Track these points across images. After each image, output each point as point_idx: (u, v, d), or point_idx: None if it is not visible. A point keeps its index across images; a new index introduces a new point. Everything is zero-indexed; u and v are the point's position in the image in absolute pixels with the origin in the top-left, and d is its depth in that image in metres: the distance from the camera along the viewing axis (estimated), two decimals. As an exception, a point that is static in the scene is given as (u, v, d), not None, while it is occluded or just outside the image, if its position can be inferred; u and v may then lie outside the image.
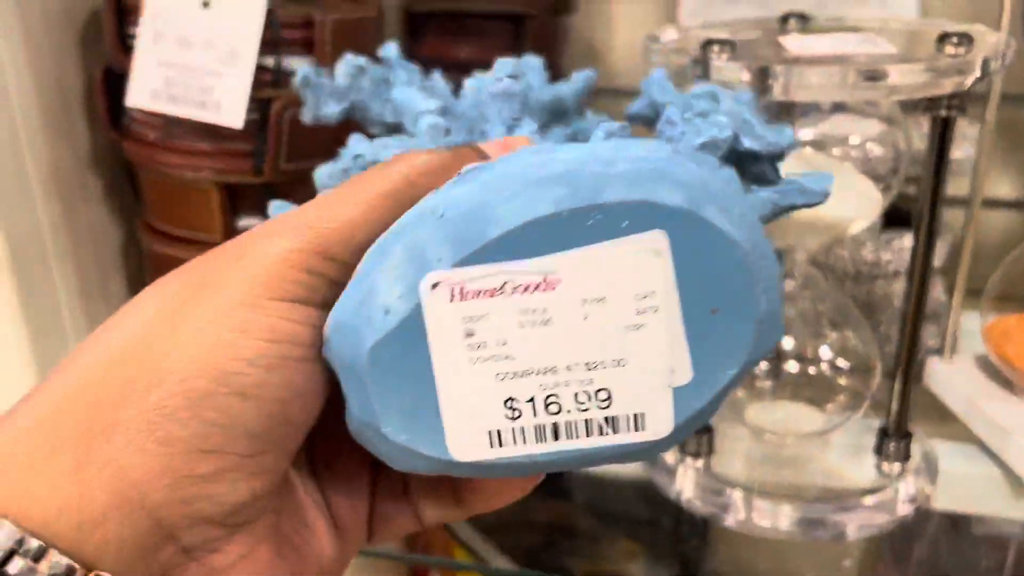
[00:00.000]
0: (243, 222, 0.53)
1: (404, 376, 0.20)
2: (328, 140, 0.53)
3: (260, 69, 0.48)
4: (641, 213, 0.20)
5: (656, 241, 0.20)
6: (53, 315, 0.53)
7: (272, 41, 0.48)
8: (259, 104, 0.49)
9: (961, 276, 0.65)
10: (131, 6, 0.49)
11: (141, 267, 0.58)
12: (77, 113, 0.54)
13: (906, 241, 0.75)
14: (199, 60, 0.47)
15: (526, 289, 0.20)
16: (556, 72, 0.84)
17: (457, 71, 0.82)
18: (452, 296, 0.20)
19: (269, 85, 0.49)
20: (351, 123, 0.55)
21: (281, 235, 0.20)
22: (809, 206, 0.26)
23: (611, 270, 0.20)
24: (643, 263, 0.20)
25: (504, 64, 0.31)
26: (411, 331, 0.20)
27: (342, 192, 0.21)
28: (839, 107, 0.58)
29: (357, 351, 0.20)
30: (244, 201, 0.52)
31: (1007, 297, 0.67)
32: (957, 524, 0.57)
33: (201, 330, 0.19)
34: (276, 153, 0.50)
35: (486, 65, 0.36)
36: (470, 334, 0.20)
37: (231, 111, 0.47)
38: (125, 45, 0.50)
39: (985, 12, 0.88)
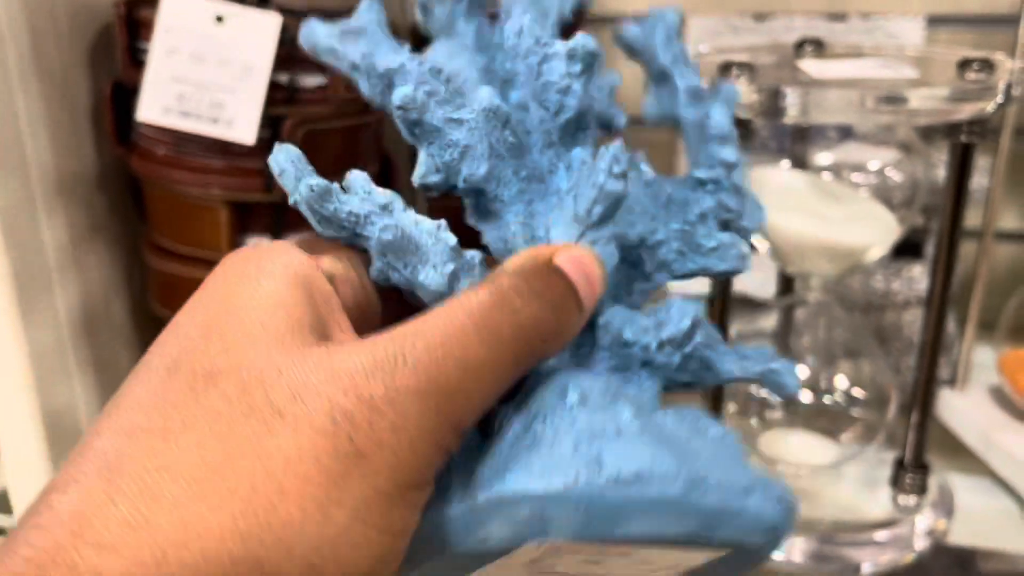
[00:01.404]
0: (251, 241, 0.52)
1: None
2: (340, 158, 0.52)
3: (273, 86, 0.48)
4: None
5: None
6: (55, 335, 0.52)
7: (286, 57, 0.47)
8: (271, 121, 0.48)
9: (974, 307, 0.65)
10: (143, 20, 0.49)
11: (144, 290, 0.57)
12: (84, 129, 0.53)
13: (916, 271, 0.74)
14: (212, 76, 0.47)
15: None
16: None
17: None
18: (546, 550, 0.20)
19: (282, 102, 0.48)
20: (363, 141, 0.55)
21: (426, 403, 0.17)
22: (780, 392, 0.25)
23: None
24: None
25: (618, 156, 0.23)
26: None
27: (471, 354, 0.18)
28: (850, 134, 0.58)
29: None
30: (253, 219, 0.51)
31: (1022, 329, 0.66)
32: (965, 562, 0.56)
33: (350, 527, 0.17)
34: (287, 171, 0.49)
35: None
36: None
37: (243, 127, 0.47)
38: (136, 60, 0.50)
39: (990, 45, 0.89)
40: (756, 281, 0.98)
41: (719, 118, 0.29)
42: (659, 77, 0.32)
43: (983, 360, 0.67)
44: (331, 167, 0.52)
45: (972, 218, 0.64)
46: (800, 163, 0.56)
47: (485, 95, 0.24)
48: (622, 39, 0.33)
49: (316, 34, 0.29)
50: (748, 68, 0.46)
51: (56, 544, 0.16)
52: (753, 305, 0.98)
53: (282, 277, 0.20)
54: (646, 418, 0.21)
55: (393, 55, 0.26)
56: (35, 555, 0.15)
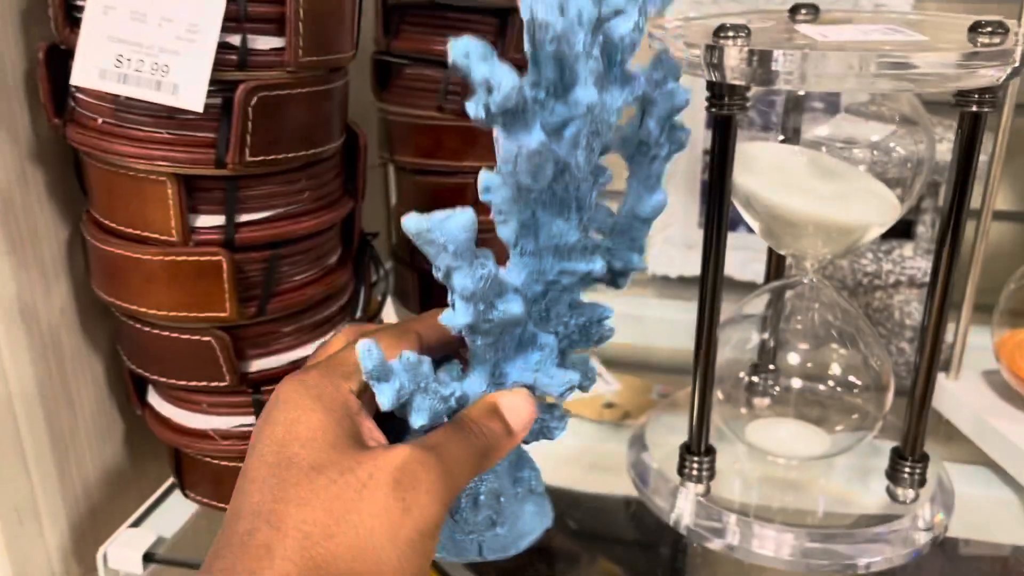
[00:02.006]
0: (200, 221, 0.47)
1: None
2: (300, 130, 0.48)
3: (224, 47, 0.43)
4: None
5: None
6: (-13, 322, 0.48)
7: (237, 17, 0.43)
8: (222, 87, 0.44)
9: (970, 290, 0.62)
10: (77, -26, 0.44)
11: (87, 264, 0.52)
12: (17, 98, 0.48)
13: (907, 251, 0.71)
14: (154, 36, 0.42)
15: None
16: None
17: (437, 66, 0.78)
18: None
19: (234, 66, 0.44)
20: (326, 112, 0.50)
21: (444, 482, 0.30)
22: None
23: None
24: None
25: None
26: None
27: (460, 464, 0.32)
28: (837, 108, 0.55)
29: None
30: (203, 196, 0.47)
31: (1019, 312, 0.63)
32: (963, 556, 0.53)
33: (402, 553, 0.29)
34: (241, 142, 0.44)
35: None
36: None
37: (190, 93, 0.42)
38: (72, 19, 0.45)
39: (982, 11, 0.86)
40: (738, 263, 0.95)
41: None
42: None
43: (979, 343, 0.64)
44: (291, 136, 0.48)
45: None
46: (791, 138, 0.53)
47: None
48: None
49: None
50: (742, 31, 0.42)
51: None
52: (738, 287, 0.95)
53: (328, 408, 0.31)
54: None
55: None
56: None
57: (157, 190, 0.46)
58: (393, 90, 0.79)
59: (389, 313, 0.73)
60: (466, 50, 0.29)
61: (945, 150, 0.67)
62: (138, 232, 0.47)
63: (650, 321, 0.91)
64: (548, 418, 0.39)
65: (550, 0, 0.31)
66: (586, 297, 0.42)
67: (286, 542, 0.27)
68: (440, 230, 0.33)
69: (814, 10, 0.53)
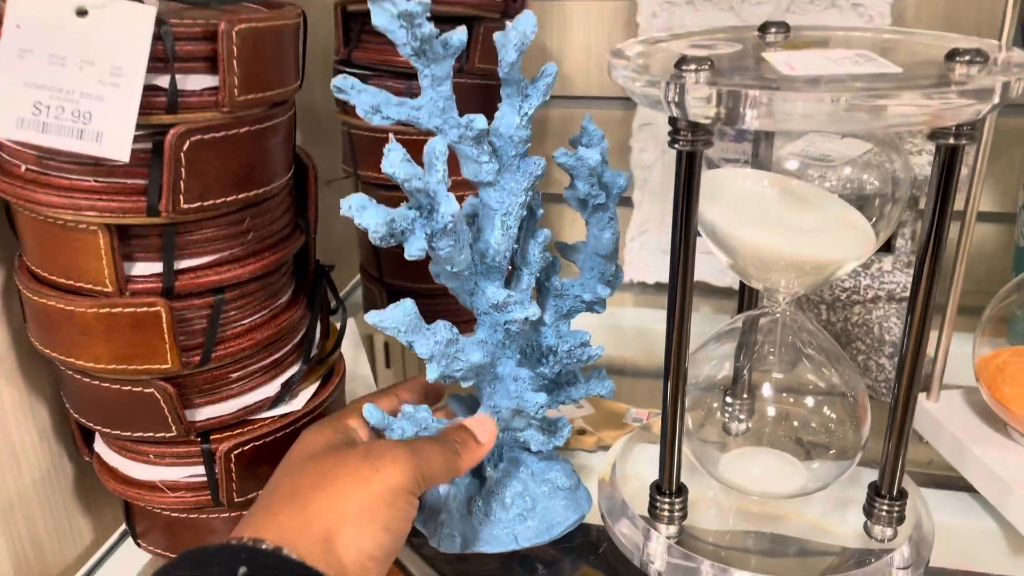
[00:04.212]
0: (137, 269, 0.44)
1: None
2: (240, 171, 0.45)
3: (151, 90, 0.40)
4: None
5: None
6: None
7: (164, 56, 0.40)
8: (152, 131, 0.41)
9: (951, 310, 0.60)
10: (-6, 13, 0.41)
11: (23, 312, 0.49)
12: (-63, 138, 0.45)
13: (886, 264, 0.69)
14: (75, 80, 0.39)
15: None
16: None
17: (398, 77, 0.75)
18: None
19: (163, 109, 0.41)
20: (268, 150, 0.48)
21: (414, 464, 0.43)
22: None
23: None
24: None
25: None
26: None
27: (434, 450, 0.46)
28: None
29: None
30: (138, 243, 0.44)
31: (1000, 332, 0.61)
32: None
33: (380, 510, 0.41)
34: (174, 189, 0.42)
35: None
36: None
37: (115, 142, 0.39)
38: (-12, 59, 0.42)
39: (960, 21, 0.84)
40: (715, 270, 0.93)
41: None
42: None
43: (959, 351, 0.62)
44: (230, 179, 0.45)
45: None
46: (761, 157, 0.51)
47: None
48: (560, 163, 0.50)
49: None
50: (706, 64, 0.40)
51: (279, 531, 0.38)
52: (716, 292, 0.93)
53: (334, 430, 0.46)
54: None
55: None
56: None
57: (88, 240, 0.43)
58: (354, 102, 0.75)
59: (352, 347, 0.70)
60: (351, 205, 0.41)
61: (924, 163, 0.65)
62: (71, 283, 0.44)
63: (628, 330, 0.89)
64: (550, 427, 0.54)
65: (397, 159, 0.41)
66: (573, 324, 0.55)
67: (290, 502, 0.40)
68: (390, 320, 0.45)
69: (784, 28, 0.50)
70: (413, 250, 0.43)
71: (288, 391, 0.52)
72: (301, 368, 0.53)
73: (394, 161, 0.42)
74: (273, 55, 0.44)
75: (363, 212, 0.41)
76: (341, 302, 0.57)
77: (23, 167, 0.42)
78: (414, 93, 0.74)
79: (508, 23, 0.73)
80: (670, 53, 0.47)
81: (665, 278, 0.91)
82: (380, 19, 0.44)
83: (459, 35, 0.45)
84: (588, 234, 0.54)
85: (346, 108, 0.77)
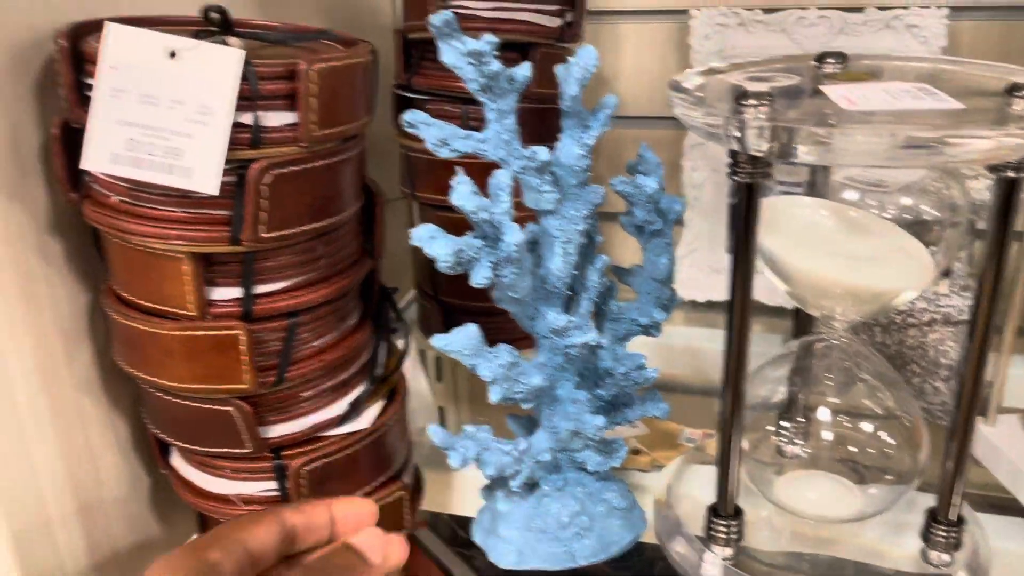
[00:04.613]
0: (218, 293, 0.47)
1: None
2: (316, 202, 0.47)
3: (236, 127, 0.43)
4: None
5: None
6: (6, 390, 0.48)
7: (249, 95, 0.42)
8: (236, 165, 0.43)
9: (1009, 331, 0.60)
10: (89, 55, 0.43)
11: (107, 332, 0.52)
12: (34, 171, 0.48)
13: (942, 288, 0.69)
14: (166, 118, 0.42)
15: None
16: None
17: (455, 102, 0.77)
18: None
19: (247, 144, 0.43)
20: (342, 181, 0.50)
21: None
22: None
23: None
24: None
25: None
26: None
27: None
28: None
29: None
30: (219, 269, 0.46)
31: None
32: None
33: None
34: (255, 220, 0.44)
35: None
36: None
37: (204, 177, 0.42)
38: (84, 97, 0.45)
39: (1018, 43, 0.83)
40: (767, 288, 0.93)
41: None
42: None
43: (1014, 376, 0.62)
44: (307, 210, 0.47)
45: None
46: (817, 184, 0.51)
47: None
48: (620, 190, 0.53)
49: None
50: (766, 99, 0.41)
51: None
52: (767, 311, 0.93)
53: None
54: None
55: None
56: None
57: (173, 267, 0.45)
58: (413, 126, 0.78)
59: (412, 365, 0.72)
60: (420, 236, 0.44)
61: (982, 187, 0.65)
62: (156, 306, 0.47)
63: (678, 349, 0.90)
64: (607, 448, 0.54)
65: (466, 192, 0.44)
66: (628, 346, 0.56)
67: None
68: (454, 344, 0.47)
69: (841, 58, 0.51)
70: (479, 278, 0.45)
71: (355, 410, 0.54)
72: (368, 387, 0.55)
73: (463, 194, 0.43)
74: (348, 92, 0.46)
75: (432, 242, 0.43)
76: (405, 324, 0.59)
77: (115, 198, 0.45)
78: (471, 117, 0.77)
79: (564, 47, 0.74)
80: (728, 85, 0.48)
81: (715, 296, 0.92)
82: (449, 56, 0.46)
83: (523, 71, 0.47)
84: (644, 259, 0.55)
85: (404, 131, 0.79)
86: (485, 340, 0.48)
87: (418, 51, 0.79)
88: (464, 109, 0.76)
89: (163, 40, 0.41)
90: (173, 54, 0.42)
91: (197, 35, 0.45)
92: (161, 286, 0.46)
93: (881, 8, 0.83)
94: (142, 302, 0.47)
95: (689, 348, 0.90)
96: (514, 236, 0.45)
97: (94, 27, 0.47)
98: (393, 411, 0.56)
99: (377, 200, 0.54)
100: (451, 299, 0.83)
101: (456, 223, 0.82)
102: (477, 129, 0.75)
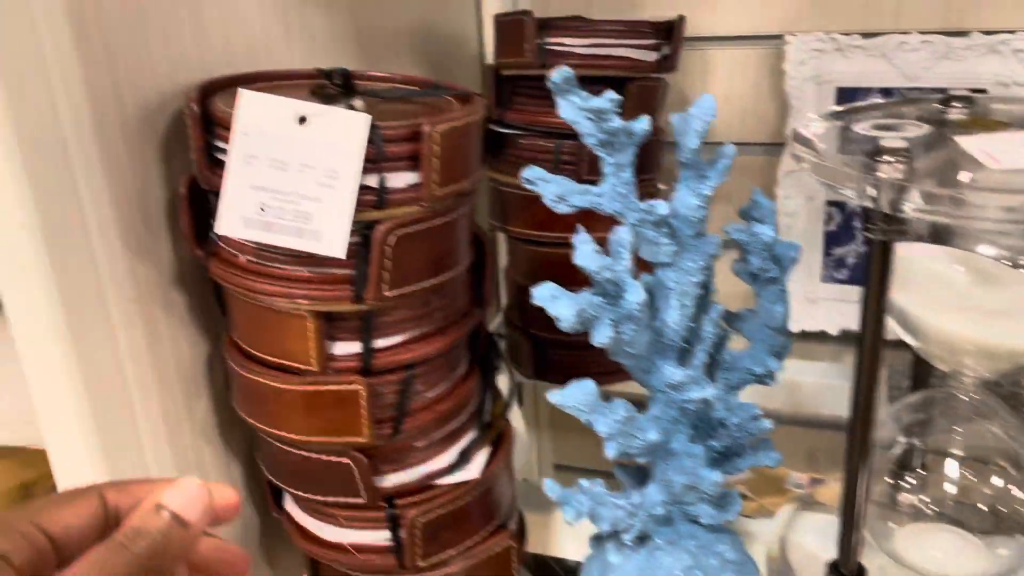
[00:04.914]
0: (338, 348, 0.47)
1: None
2: (435, 258, 0.48)
3: (361, 189, 0.43)
4: None
5: None
6: (132, 438, 0.49)
7: (375, 158, 0.43)
8: (360, 226, 0.44)
9: None
10: (218, 118, 0.44)
11: (228, 387, 0.53)
12: (160, 227, 0.50)
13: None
14: (295, 183, 0.42)
15: None
16: (654, 130, 0.78)
17: (549, 137, 0.76)
18: None
19: (372, 206, 0.44)
20: (458, 235, 0.50)
21: None
22: None
23: None
24: None
25: None
26: None
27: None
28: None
29: None
30: (341, 325, 0.47)
31: None
32: None
33: None
34: (379, 280, 0.44)
35: (576, 133, 0.47)
36: None
37: (332, 240, 0.42)
38: (213, 160, 0.46)
39: None
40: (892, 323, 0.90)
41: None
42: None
43: None
44: (426, 266, 0.47)
45: None
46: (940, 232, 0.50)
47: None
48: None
49: None
50: (904, 157, 0.40)
51: None
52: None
53: None
54: None
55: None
56: None
57: (297, 324, 0.46)
58: (505, 160, 0.78)
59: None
60: (542, 295, 0.43)
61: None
62: (279, 361, 0.48)
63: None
64: (721, 501, 0.53)
65: (589, 252, 0.44)
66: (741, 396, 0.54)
67: None
68: (571, 399, 0.47)
69: (967, 102, 0.50)
70: (601, 337, 0.44)
71: (465, 458, 0.54)
72: (477, 435, 0.55)
73: (585, 254, 0.43)
74: (466, 149, 0.47)
75: (555, 303, 0.43)
76: (512, 371, 0.58)
77: (243, 258, 0.46)
78: (563, 152, 0.77)
79: (658, 79, 0.73)
80: (856, 135, 0.47)
81: (809, 327, 0.90)
82: (567, 112, 0.46)
83: (643, 125, 0.46)
84: (758, 306, 0.54)
85: (493, 165, 0.79)
86: (601, 394, 0.48)
87: (510, 86, 0.79)
88: (557, 144, 0.76)
89: (293, 106, 0.42)
90: (302, 119, 0.42)
91: (314, 90, 0.46)
92: (284, 342, 0.47)
93: (986, 32, 0.80)
94: (265, 356, 0.48)
95: (785, 380, 0.87)
96: (636, 295, 0.44)
97: (220, 86, 0.49)
98: (501, 459, 0.56)
99: (487, 250, 0.54)
100: (541, 332, 0.83)
101: (546, 258, 0.82)
102: (569, 165, 0.76)
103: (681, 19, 0.74)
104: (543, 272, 0.81)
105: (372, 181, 0.43)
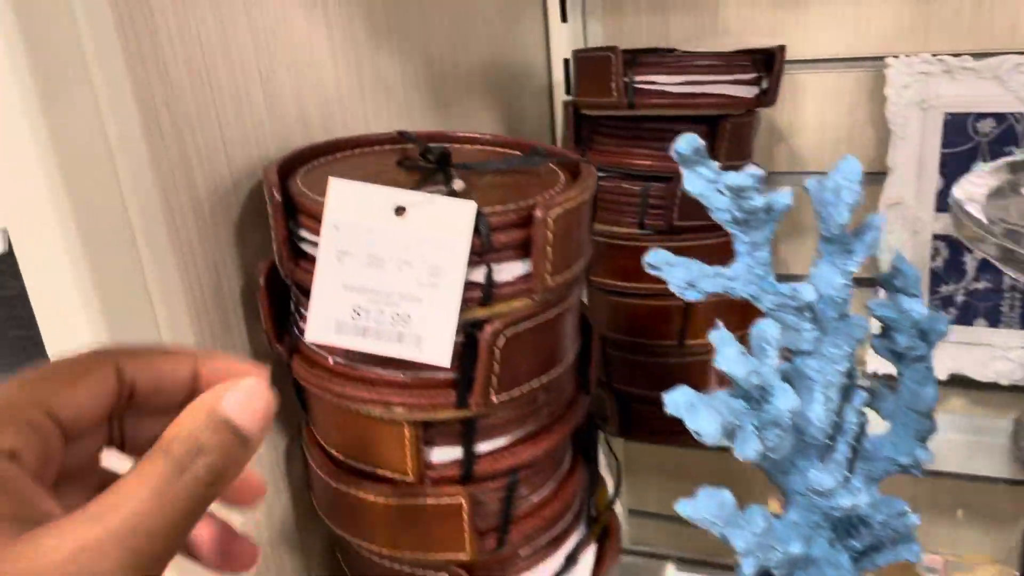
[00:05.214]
0: (437, 455, 0.42)
1: None
2: (545, 353, 0.42)
3: (467, 285, 0.38)
4: None
5: None
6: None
7: (480, 250, 0.37)
8: (465, 324, 0.38)
9: None
10: (302, 204, 0.39)
11: (307, 479, 0.48)
12: (234, 314, 0.45)
13: None
14: (394, 282, 0.37)
15: None
16: (744, 158, 0.72)
17: (633, 179, 0.70)
18: None
19: (477, 303, 0.38)
20: (569, 326, 0.44)
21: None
22: None
23: None
24: None
25: None
26: None
27: (158, 524, 0.22)
28: None
29: None
30: (440, 430, 0.42)
31: None
32: None
33: None
34: (485, 383, 0.39)
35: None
36: None
37: (436, 346, 0.37)
38: (297, 251, 0.41)
39: None
40: (977, 361, 0.83)
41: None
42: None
43: None
44: (536, 364, 0.42)
45: None
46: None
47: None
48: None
49: None
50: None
51: None
52: (977, 388, 0.84)
53: None
54: None
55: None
56: None
57: (392, 431, 0.41)
58: (588, 206, 0.72)
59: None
60: (676, 404, 0.37)
61: None
62: (369, 468, 0.43)
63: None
64: None
65: (734, 356, 0.37)
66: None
67: None
68: (704, 511, 0.41)
69: None
70: (748, 451, 0.38)
71: (572, 561, 0.48)
72: (583, 534, 0.49)
73: (731, 359, 0.37)
74: (579, 230, 0.41)
75: (694, 414, 0.37)
76: (616, 459, 0.53)
77: (330, 359, 0.41)
78: (651, 195, 0.71)
79: (753, 114, 0.67)
80: (990, 186, 0.40)
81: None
82: (694, 185, 0.40)
83: (784, 199, 0.40)
84: (902, 386, 0.47)
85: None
86: (736, 505, 0.42)
87: (590, 124, 0.73)
88: (644, 187, 0.70)
89: (390, 195, 0.37)
90: (401, 210, 0.37)
91: (402, 161, 0.41)
92: (376, 448, 0.42)
93: (1115, 49, 0.72)
94: (353, 462, 0.43)
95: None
96: (788, 401, 0.38)
97: (298, 160, 0.44)
98: (609, 558, 0.50)
99: (593, 333, 0.48)
100: (625, 387, 0.77)
101: (631, 310, 0.76)
102: (658, 209, 0.70)
103: (781, 49, 0.68)
104: (626, 324, 0.76)
105: (478, 275, 0.38)
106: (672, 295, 0.71)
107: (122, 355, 0.25)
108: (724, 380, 0.39)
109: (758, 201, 0.39)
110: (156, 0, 0.38)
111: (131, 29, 0.37)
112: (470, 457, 0.42)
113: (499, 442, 0.43)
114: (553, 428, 0.45)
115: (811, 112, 0.85)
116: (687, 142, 0.39)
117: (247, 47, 0.44)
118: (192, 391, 0.26)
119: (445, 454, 0.42)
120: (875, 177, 0.83)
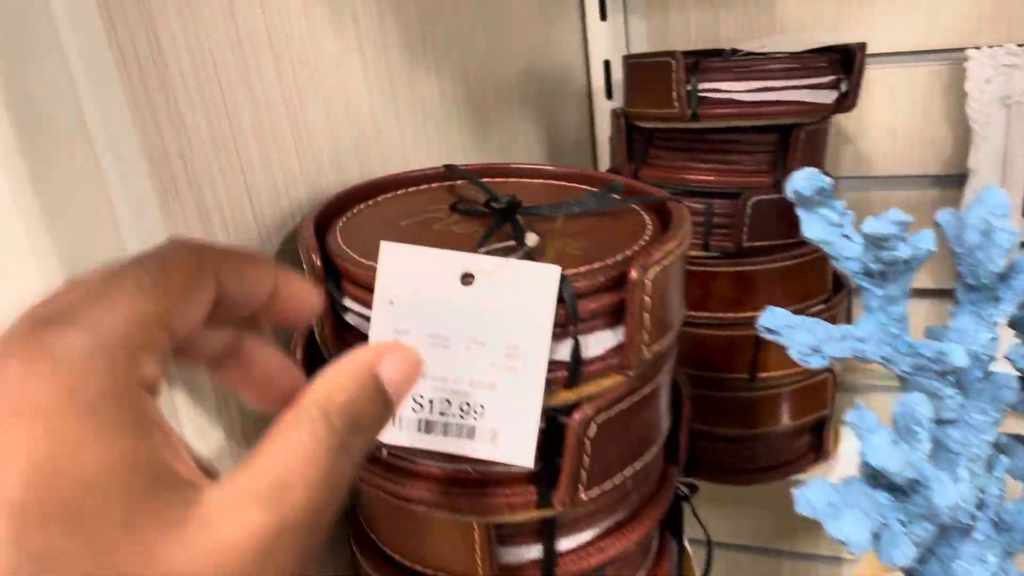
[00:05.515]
0: (512, 555, 0.36)
1: None
2: (637, 437, 0.35)
3: (549, 364, 0.31)
4: None
5: None
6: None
7: (564, 321, 0.31)
8: (547, 411, 0.32)
9: None
10: (346, 271, 0.33)
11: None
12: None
13: None
14: (462, 365, 0.30)
15: None
16: (816, 168, 0.65)
17: (697, 197, 0.63)
18: None
19: (562, 384, 0.32)
20: (663, 401, 0.38)
21: (298, 551, 0.19)
22: None
23: None
24: None
25: None
26: None
27: (323, 503, 0.20)
28: None
29: None
30: (519, 527, 0.35)
31: None
32: None
33: None
34: (574, 480, 0.32)
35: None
36: None
37: (516, 442, 0.30)
38: (342, 323, 0.34)
39: None
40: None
41: None
42: None
43: None
44: (628, 451, 0.35)
45: None
46: None
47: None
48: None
49: None
50: None
51: None
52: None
53: (116, 426, 0.18)
54: None
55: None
56: None
57: (460, 532, 0.34)
58: (645, 227, 0.65)
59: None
60: (812, 504, 0.32)
61: None
62: (431, 573, 0.36)
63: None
64: None
65: (886, 446, 0.31)
66: None
67: None
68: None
69: None
70: (902, 559, 0.31)
71: (663, 659, 0.42)
72: (674, 626, 0.43)
73: (882, 451, 0.30)
74: (676, 288, 0.34)
75: (836, 519, 0.30)
76: (708, 534, 0.46)
77: (383, 451, 0.34)
78: (715, 214, 0.64)
79: (828, 121, 0.59)
80: None
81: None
82: (814, 230, 0.33)
83: (927, 243, 0.33)
84: None
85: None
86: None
87: (643, 136, 0.66)
88: (707, 205, 0.63)
89: (455, 261, 0.30)
90: (468, 277, 0.30)
91: (456, 205, 0.34)
92: (443, 552, 0.35)
93: None
94: (414, 565, 0.37)
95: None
96: (947, 497, 0.31)
97: (337, 208, 0.37)
98: (704, 650, 0.43)
99: (683, 394, 0.41)
100: (695, 425, 0.71)
101: (699, 341, 0.69)
102: (723, 229, 0.63)
103: (862, 47, 0.61)
104: (692, 356, 0.69)
105: (563, 352, 0.31)
106: (743, 324, 0.65)
107: (219, 259, 0.22)
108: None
109: (903, 252, 0.32)
110: (165, 34, 0.32)
111: (136, 69, 0.31)
112: (551, 556, 0.36)
113: (584, 537, 0.36)
114: (643, 513, 0.38)
115: (880, 110, 0.77)
116: (808, 180, 0.32)
117: (270, 78, 0.38)
118: (267, 308, 0.23)
119: (522, 554, 0.36)
120: (952, 180, 0.76)
